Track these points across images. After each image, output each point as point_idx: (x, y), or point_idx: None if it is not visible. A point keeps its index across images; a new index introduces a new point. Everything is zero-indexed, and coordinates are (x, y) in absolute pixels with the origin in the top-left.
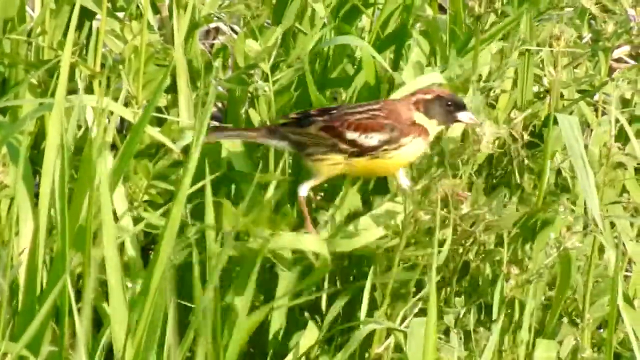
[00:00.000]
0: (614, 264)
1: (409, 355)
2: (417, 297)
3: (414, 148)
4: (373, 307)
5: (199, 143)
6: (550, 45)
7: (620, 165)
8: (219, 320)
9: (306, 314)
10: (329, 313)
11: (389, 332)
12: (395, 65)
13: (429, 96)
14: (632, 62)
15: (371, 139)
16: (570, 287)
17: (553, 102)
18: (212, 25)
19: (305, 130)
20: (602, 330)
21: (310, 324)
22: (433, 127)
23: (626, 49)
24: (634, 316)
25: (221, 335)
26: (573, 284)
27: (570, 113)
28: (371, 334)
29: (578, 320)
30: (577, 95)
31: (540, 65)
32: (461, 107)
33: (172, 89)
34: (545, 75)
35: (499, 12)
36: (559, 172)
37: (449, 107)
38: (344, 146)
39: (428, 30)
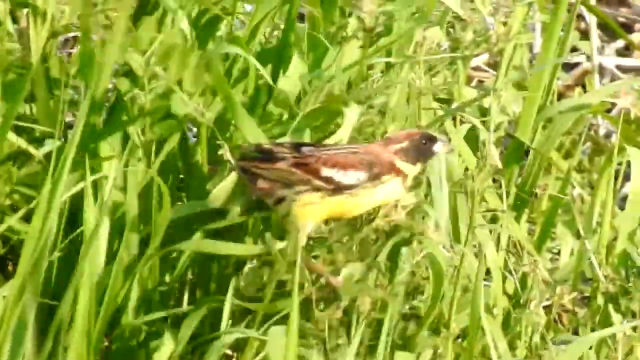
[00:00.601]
0: (475, 273)
1: None
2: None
3: (392, 188)
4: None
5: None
6: (414, 52)
7: (497, 172)
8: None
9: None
10: (184, 325)
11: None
12: (275, 77)
13: (404, 144)
14: (490, 70)
15: (349, 177)
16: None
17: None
18: (71, 34)
19: (273, 167)
20: (460, 340)
21: (167, 335)
22: (414, 169)
23: (484, 57)
24: (493, 325)
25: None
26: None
27: (440, 125)
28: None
29: (443, 330)
30: (434, 104)
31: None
32: (434, 139)
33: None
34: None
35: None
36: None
37: (424, 145)
38: (318, 183)
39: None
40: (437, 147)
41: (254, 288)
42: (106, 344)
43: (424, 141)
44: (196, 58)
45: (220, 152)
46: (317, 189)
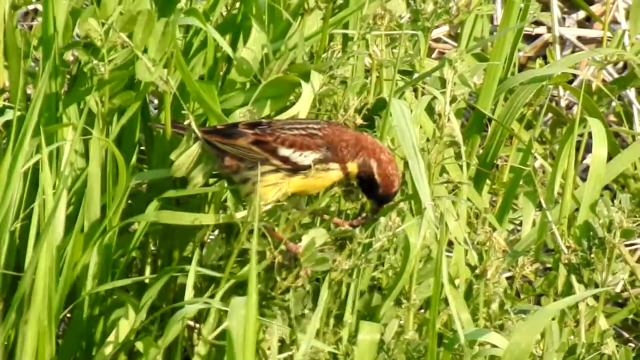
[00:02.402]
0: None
1: (232, 334)
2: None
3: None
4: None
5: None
6: (374, 24)
7: (453, 144)
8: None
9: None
10: (145, 294)
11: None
12: (235, 48)
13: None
14: (451, 42)
15: (305, 158)
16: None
17: (375, 83)
18: (31, 7)
19: (234, 142)
20: (423, 310)
21: (128, 306)
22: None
23: (445, 29)
24: (456, 296)
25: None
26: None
27: (400, 96)
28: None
29: (404, 301)
30: (397, 76)
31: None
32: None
33: None
34: (369, 55)
35: None
36: None
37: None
38: (276, 162)
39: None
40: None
41: (215, 257)
42: (68, 315)
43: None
44: (162, 25)
45: (186, 122)
46: (278, 169)
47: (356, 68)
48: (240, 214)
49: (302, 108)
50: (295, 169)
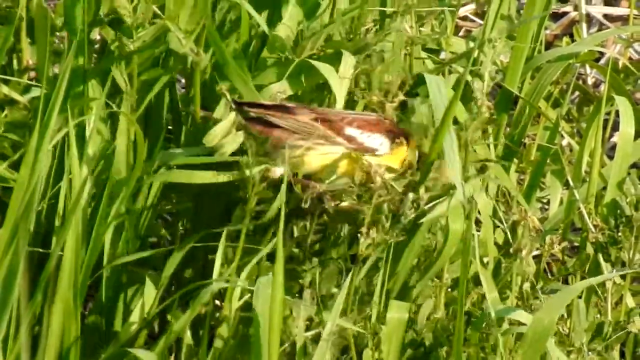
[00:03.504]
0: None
1: (256, 312)
2: (263, 251)
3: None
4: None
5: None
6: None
7: (491, 121)
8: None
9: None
10: (168, 263)
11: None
12: (269, 25)
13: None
14: (478, 20)
15: (373, 140)
16: (429, 247)
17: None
18: None
19: (294, 117)
20: (451, 290)
21: (149, 281)
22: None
23: (472, 7)
24: (485, 274)
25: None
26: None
27: (438, 73)
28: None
29: (436, 280)
30: (423, 54)
31: None
32: None
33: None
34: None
35: None
36: None
37: None
38: (340, 140)
39: None
40: None
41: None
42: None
43: None
44: None
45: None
46: (337, 145)
47: (395, 45)
48: (257, 168)
49: (337, 88)
50: (361, 149)
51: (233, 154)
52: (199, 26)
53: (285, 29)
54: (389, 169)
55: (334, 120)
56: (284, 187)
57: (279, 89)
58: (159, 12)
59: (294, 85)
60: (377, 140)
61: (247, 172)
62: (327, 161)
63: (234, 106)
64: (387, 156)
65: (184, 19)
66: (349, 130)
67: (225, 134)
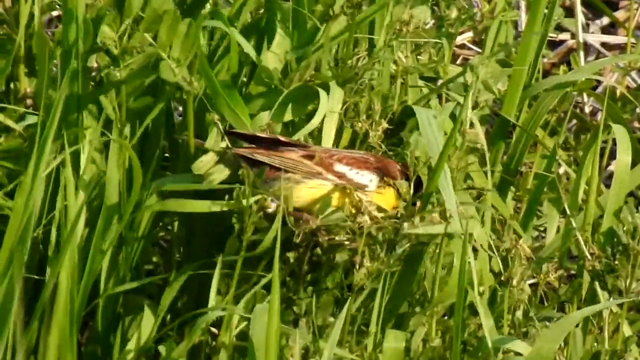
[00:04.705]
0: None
1: (253, 341)
2: (261, 282)
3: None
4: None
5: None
6: (400, 31)
7: (474, 150)
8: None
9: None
10: (165, 294)
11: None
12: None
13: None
14: (475, 48)
15: (363, 177)
16: (419, 275)
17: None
18: (55, 13)
19: (281, 155)
20: (446, 317)
21: (147, 310)
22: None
23: (469, 35)
24: (480, 303)
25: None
26: (421, 272)
27: (425, 103)
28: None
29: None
30: (420, 82)
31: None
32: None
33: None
34: (394, 62)
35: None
36: None
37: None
38: (330, 177)
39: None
40: None
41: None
42: (90, 324)
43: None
44: (185, 25)
45: (211, 125)
46: (327, 180)
47: (382, 74)
48: (253, 199)
49: (327, 119)
50: (351, 185)
51: (223, 182)
52: (191, 55)
53: (274, 57)
54: (379, 208)
55: (323, 157)
56: (279, 216)
57: (268, 119)
58: (152, 41)
59: (281, 116)
60: (367, 177)
61: (244, 202)
62: (318, 194)
63: (225, 136)
64: (376, 195)
65: (176, 48)
66: (339, 167)
67: (214, 163)
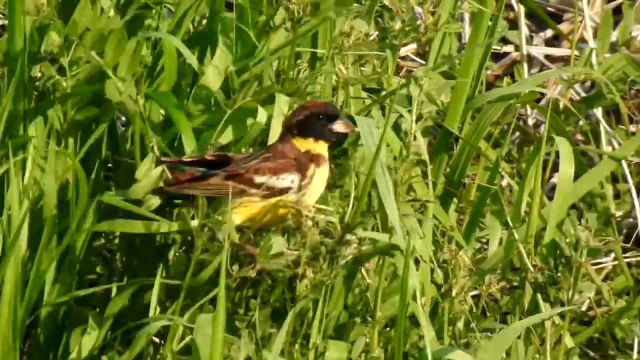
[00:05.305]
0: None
1: (197, 350)
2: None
3: (317, 181)
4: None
5: None
6: (341, 43)
7: (420, 162)
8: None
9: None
10: (109, 307)
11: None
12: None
13: (300, 117)
14: (419, 60)
15: (283, 180)
16: (360, 287)
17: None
18: None
19: (209, 183)
20: (388, 328)
21: (90, 321)
22: (316, 145)
23: (413, 47)
24: (422, 314)
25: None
26: (362, 285)
27: (367, 114)
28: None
29: (369, 319)
30: (364, 94)
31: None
32: (333, 117)
33: None
34: (335, 74)
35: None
36: None
37: (319, 120)
38: (254, 191)
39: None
40: (337, 127)
41: (179, 271)
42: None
43: (320, 116)
44: (133, 44)
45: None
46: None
47: (324, 87)
48: (194, 222)
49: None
50: (273, 193)
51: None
52: (138, 73)
53: (215, 70)
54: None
55: (242, 173)
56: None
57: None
58: (97, 58)
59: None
60: (287, 180)
61: (195, 224)
62: (249, 212)
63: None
64: (303, 197)
65: (123, 67)
66: (258, 179)
67: (149, 189)
